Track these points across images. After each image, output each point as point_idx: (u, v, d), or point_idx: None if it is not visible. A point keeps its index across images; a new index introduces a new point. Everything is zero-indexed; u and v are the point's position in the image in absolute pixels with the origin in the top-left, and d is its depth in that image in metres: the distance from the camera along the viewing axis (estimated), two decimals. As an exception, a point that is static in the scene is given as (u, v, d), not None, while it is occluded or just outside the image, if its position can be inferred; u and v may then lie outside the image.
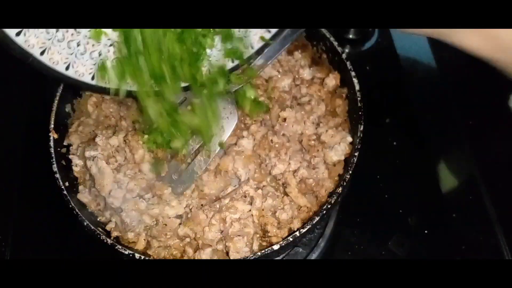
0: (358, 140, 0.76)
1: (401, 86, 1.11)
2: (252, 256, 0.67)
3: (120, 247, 0.69)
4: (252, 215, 0.74)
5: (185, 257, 0.74)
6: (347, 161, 0.78)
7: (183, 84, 0.76)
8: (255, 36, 0.74)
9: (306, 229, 0.68)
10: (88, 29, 0.68)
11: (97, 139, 0.78)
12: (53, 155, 0.76)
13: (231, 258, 0.70)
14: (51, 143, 0.77)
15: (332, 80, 0.86)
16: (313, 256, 0.89)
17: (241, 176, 0.77)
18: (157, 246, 0.74)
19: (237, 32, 0.74)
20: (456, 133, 1.05)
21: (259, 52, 0.74)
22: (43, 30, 0.63)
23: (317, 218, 0.69)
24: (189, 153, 0.77)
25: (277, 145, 0.79)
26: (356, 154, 0.75)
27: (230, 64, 0.76)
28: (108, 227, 0.75)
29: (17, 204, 0.99)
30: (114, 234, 0.74)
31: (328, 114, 0.84)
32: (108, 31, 0.69)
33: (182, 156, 0.77)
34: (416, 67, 1.16)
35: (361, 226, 0.94)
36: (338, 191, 0.72)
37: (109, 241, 0.69)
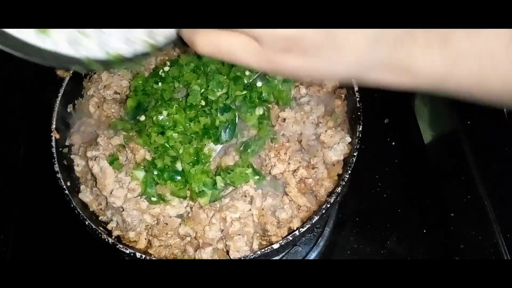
0: (357, 140, 0.76)
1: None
2: (252, 255, 0.68)
3: (121, 246, 0.69)
4: (252, 214, 0.74)
5: (186, 256, 0.75)
6: (346, 161, 0.79)
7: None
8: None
9: (305, 228, 0.69)
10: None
11: (98, 139, 0.79)
12: (54, 155, 0.76)
13: (232, 257, 0.71)
14: (53, 143, 0.77)
15: (331, 81, 0.87)
16: (313, 255, 0.90)
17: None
18: (158, 245, 0.75)
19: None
20: (455, 132, 1.06)
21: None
22: None
23: (316, 218, 0.69)
24: None
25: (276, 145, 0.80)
26: (355, 154, 0.75)
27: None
28: (109, 227, 0.76)
29: (18, 204, 1.00)
30: (115, 233, 0.75)
31: (327, 114, 0.85)
32: None
33: None
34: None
35: (360, 226, 0.94)
36: (337, 190, 0.73)
37: (110, 240, 0.70)
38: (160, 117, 0.76)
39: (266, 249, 0.68)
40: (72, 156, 0.81)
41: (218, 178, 0.77)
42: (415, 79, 0.50)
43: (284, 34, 0.44)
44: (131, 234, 0.75)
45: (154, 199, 0.76)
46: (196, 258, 0.73)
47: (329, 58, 0.47)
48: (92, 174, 0.78)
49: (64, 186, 0.73)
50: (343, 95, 0.86)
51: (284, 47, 0.45)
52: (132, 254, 0.69)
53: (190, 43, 0.49)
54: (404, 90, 0.53)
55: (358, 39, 0.46)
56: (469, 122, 1.05)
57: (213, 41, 0.47)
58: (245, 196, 0.76)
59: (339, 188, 0.73)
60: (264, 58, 0.47)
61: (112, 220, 0.77)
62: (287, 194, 0.77)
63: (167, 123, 0.76)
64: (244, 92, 0.79)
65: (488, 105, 0.55)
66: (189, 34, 0.49)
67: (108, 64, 0.58)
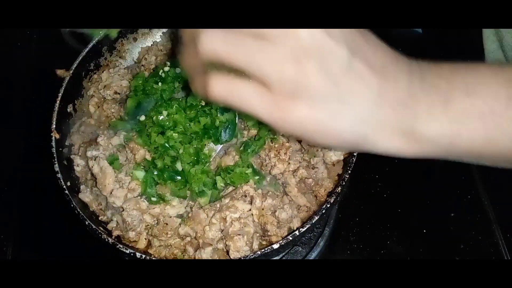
0: (357, 140, 0.76)
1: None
2: (252, 255, 0.68)
3: (121, 246, 0.69)
4: (252, 214, 0.74)
5: (186, 256, 0.75)
6: (346, 160, 0.78)
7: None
8: None
9: (305, 228, 0.69)
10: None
11: (98, 139, 0.79)
12: (54, 155, 0.76)
13: (232, 257, 0.71)
14: (53, 143, 0.77)
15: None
16: (313, 255, 0.90)
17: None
18: (158, 245, 0.75)
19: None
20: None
21: None
22: None
23: (316, 218, 0.69)
24: None
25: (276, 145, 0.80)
26: (355, 154, 0.75)
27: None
28: (109, 227, 0.76)
29: (18, 204, 1.00)
30: (115, 233, 0.75)
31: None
32: None
33: None
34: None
35: (360, 225, 0.94)
36: (337, 190, 0.73)
37: (110, 240, 0.70)
38: (160, 117, 0.76)
39: (266, 249, 0.68)
40: (72, 156, 0.81)
41: (218, 178, 0.77)
42: (422, 143, 0.50)
43: (291, 75, 0.45)
44: (131, 234, 0.75)
45: (154, 199, 0.76)
46: (196, 258, 0.73)
47: (336, 110, 0.47)
48: (92, 174, 0.78)
49: (64, 186, 0.73)
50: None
51: (291, 90, 0.46)
52: (132, 254, 0.68)
53: (204, 87, 0.50)
54: (413, 158, 0.52)
55: (364, 93, 0.47)
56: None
57: (227, 87, 0.48)
58: (245, 196, 0.76)
59: (339, 188, 0.73)
60: (273, 104, 0.47)
61: (112, 220, 0.76)
62: (287, 194, 0.77)
63: (167, 123, 0.76)
64: None
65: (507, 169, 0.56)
66: (202, 79, 0.50)
67: None
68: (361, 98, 0.47)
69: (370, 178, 0.99)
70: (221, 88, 0.49)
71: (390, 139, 0.50)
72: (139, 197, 0.76)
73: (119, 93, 0.87)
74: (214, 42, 0.47)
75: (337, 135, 0.49)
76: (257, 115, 0.48)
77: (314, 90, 0.46)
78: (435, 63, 0.52)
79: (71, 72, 0.83)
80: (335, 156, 0.78)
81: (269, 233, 0.73)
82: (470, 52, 1.09)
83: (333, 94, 0.46)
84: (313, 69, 0.45)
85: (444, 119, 0.49)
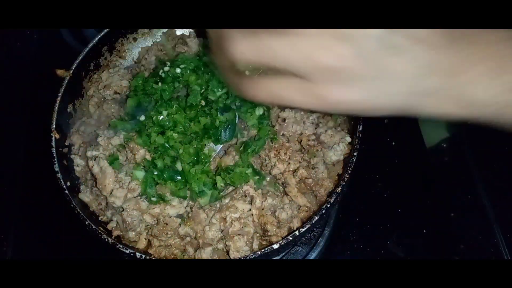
0: (357, 140, 0.76)
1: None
2: (252, 255, 0.68)
3: (121, 246, 0.69)
4: (252, 214, 0.74)
5: (186, 256, 0.75)
6: (346, 161, 0.78)
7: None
8: None
9: (305, 228, 0.69)
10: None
11: (98, 139, 0.79)
12: (54, 155, 0.76)
13: (231, 257, 0.71)
14: (53, 143, 0.77)
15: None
16: (313, 255, 0.90)
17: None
18: (158, 245, 0.75)
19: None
20: (455, 132, 1.06)
21: None
22: None
23: (316, 218, 0.69)
24: None
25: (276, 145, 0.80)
26: (355, 154, 0.75)
27: None
28: (109, 227, 0.76)
29: (19, 204, 1.00)
30: (115, 233, 0.75)
31: (327, 114, 0.85)
32: None
33: None
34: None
35: (360, 226, 0.94)
36: (337, 190, 0.73)
37: (110, 240, 0.70)
38: (160, 117, 0.76)
39: (266, 249, 0.68)
40: (72, 156, 0.81)
41: (218, 178, 0.77)
42: (472, 109, 0.51)
43: (323, 63, 0.46)
44: (131, 234, 0.75)
45: (154, 199, 0.76)
46: (196, 258, 0.73)
47: (374, 88, 0.49)
48: (92, 174, 0.78)
49: (64, 186, 0.73)
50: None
51: (327, 77, 0.47)
52: (132, 254, 0.68)
53: (245, 90, 0.55)
54: (458, 121, 0.53)
55: (407, 67, 0.47)
56: (469, 123, 1.05)
57: (268, 91, 0.52)
58: (245, 196, 0.76)
59: (339, 188, 0.73)
60: (310, 92, 0.49)
61: (112, 220, 0.77)
62: (287, 194, 0.77)
63: (167, 123, 0.76)
64: None
65: None
66: (242, 82, 0.54)
67: None
68: (401, 72, 0.47)
69: (370, 178, 0.99)
70: (264, 93, 0.53)
71: (439, 105, 0.50)
72: (139, 197, 0.76)
73: (119, 93, 0.87)
74: (242, 50, 0.49)
75: (379, 110, 0.52)
76: (300, 107, 0.52)
77: (349, 73, 0.47)
78: (483, 30, 0.50)
79: (71, 72, 0.83)
80: (335, 156, 0.78)
81: (269, 233, 0.73)
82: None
83: (370, 73, 0.47)
84: (345, 51, 0.45)
85: (498, 86, 0.48)
